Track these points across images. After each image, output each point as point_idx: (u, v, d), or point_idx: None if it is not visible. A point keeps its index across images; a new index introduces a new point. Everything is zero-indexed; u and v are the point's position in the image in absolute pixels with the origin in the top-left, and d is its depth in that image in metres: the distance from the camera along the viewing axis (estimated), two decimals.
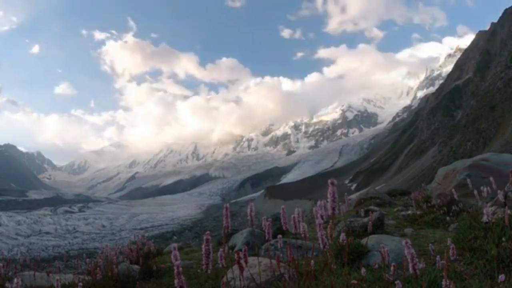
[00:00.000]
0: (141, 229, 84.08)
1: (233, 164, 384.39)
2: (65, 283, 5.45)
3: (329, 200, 2.12)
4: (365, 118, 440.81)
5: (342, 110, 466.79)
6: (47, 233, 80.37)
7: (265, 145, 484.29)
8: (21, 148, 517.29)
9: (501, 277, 2.80)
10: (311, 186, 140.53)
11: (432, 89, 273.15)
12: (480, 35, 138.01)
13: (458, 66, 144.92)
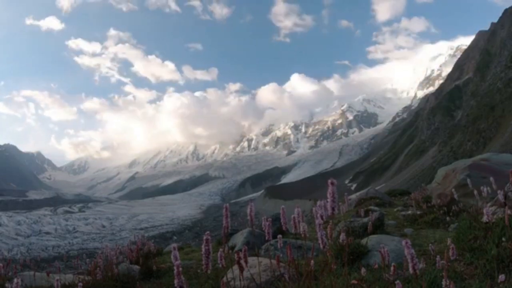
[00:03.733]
0: (141, 229, 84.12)
1: (233, 164, 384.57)
2: (65, 283, 5.45)
3: (329, 200, 2.12)
4: (365, 118, 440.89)
5: (342, 110, 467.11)
6: (47, 233, 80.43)
7: (265, 145, 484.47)
8: (21, 148, 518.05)
9: (501, 277, 2.80)
10: (311, 186, 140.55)
11: (432, 89, 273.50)
12: (480, 35, 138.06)
13: (458, 66, 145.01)
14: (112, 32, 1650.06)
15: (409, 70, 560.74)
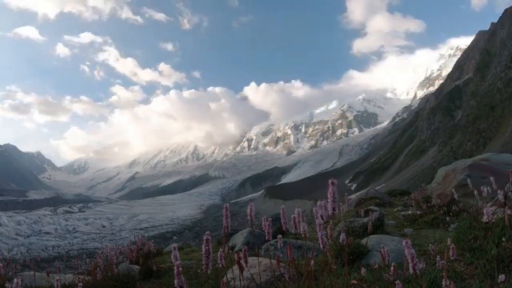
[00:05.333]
0: (141, 229, 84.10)
1: (233, 164, 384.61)
2: (65, 283, 5.44)
3: (329, 200, 2.12)
4: (365, 118, 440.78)
5: (342, 110, 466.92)
6: (47, 233, 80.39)
7: (265, 145, 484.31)
8: (21, 148, 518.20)
9: (501, 277, 2.80)
10: (311, 186, 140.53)
11: (432, 89, 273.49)
12: (480, 35, 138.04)
13: (458, 66, 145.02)
14: (91, 36, 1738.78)
15: (408, 70, 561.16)
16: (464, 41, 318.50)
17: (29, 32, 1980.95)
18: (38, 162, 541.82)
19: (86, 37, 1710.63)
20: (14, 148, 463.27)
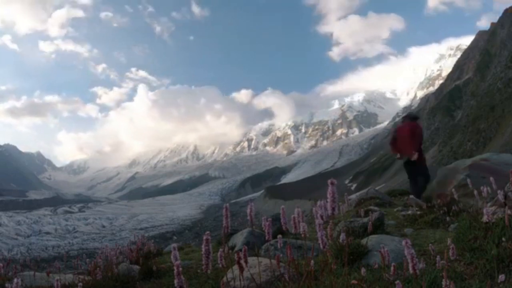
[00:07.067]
0: (141, 229, 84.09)
1: (233, 164, 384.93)
2: (65, 283, 5.44)
3: (329, 200, 2.12)
4: (365, 118, 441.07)
5: (342, 110, 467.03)
6: (47, 233, 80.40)
7: (265, 145, 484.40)
8: (21, 148, 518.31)
9: (501, 277, 2.79)
10: (311, 186, 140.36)
11: (432, 89, 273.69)
12: (480, 35, 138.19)
13: (458, 66, 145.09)
14: (70, 43, 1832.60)
15: (409, 70, 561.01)
16: (464, 41, 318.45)
17: (6, 40, 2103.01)
18: (38, 162, 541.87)
19: (64, 44, 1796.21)
20: (14, 148, 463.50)
